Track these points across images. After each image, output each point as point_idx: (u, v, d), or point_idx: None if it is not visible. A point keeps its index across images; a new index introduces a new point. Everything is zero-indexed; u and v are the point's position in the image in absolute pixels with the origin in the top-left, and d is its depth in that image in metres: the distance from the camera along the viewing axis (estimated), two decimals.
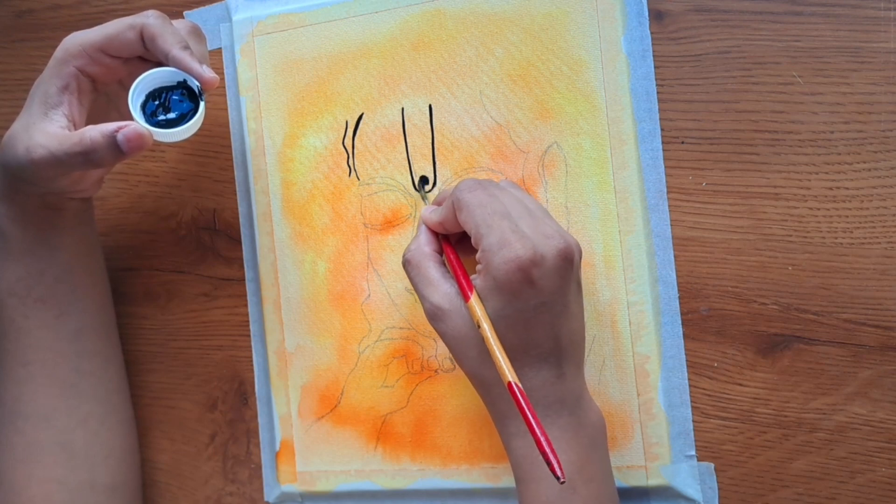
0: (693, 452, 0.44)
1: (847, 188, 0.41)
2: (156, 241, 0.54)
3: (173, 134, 0.43)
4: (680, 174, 0.44)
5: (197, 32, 0.46)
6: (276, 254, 0.50)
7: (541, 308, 0.37)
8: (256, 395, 0.52)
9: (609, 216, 0.44)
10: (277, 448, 0.51)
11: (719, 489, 0.44)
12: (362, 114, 0.48)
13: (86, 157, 0.41)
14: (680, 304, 0.44)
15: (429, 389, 0.48)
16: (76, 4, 0.55)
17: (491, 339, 0.37)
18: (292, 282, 0.50)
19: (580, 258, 0.40)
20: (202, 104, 0.44)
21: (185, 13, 0.52)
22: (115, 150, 0.41)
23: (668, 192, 0.44)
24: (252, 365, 0.52)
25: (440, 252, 0.42)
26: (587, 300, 0.44)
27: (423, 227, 0.42)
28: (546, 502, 0.38)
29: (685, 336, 0.44)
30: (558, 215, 0.45)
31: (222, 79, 0.51)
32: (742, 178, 0.43)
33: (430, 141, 0.47)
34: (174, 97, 0.44)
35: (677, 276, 0.44)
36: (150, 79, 0.43)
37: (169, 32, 0.43)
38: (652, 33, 0.44)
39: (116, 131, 0.40)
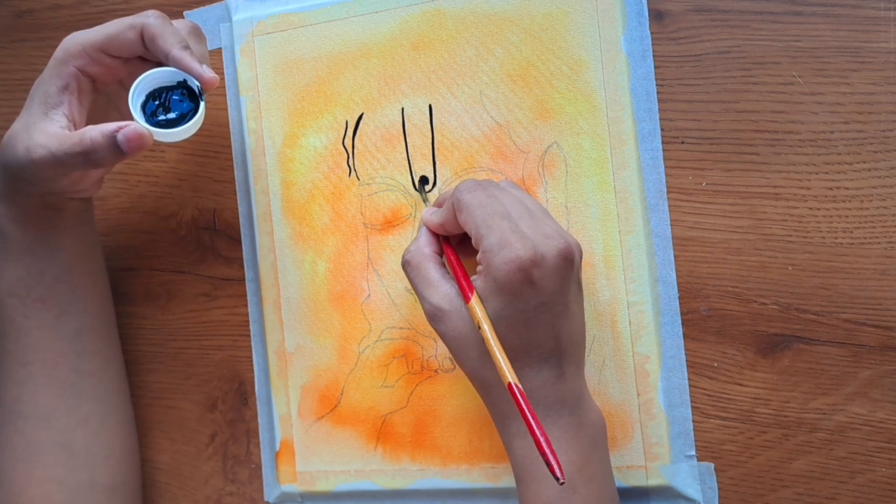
0: (693, 452, 0.44)
1: (847, 188, 0.41)
2: (156, 241, 0.54)
3: (173, 134, 0.43)
4: (680, 174, 0.44)
5: (197, 32, 0.46)
6: (276, 254, 0.50)
7: (541, 308, 0.37)
8: (256, 395, 0.52)
9: (609, 216, 0.44)
10: (277, 448, 0.51)
11: (719, 489, 0.44)
12: (362, 114, 0.48)
13: (86, 157, 0.41)
14: (680, 304, 0.44)
15: (429, 389, 0.48)
16: (76, 4, 0.55)
17: (491, 341, 0.37)
18: (292, 282, 0.50)
19: (580, 258, 0.40)
20: (202, 104, 0.44)
21: (185, 13, 0.52)
22: (116, 150, 0.41)
23: (668, 192, 0.44)
24: (252, 365, 0.52)
25: (440, 253, 0.42)
26: (587, 300, 0.44)
27: (424, 229, 0.42)
28: (547, 502, 0.38)
29: (685, 336, 0.44)
30: (558, 215, 0.45)
31: (222, 79, 0.51)
32: (742, 178, 0.43)
33: (430, 141, 0.47)
34: (174, 97, 0.44)
35: (677, 276, 0.44)
36: (151, 79, 0.43)
37: (169, 32, 0.43)
38: (652, 33, 0.44)
39: (116, 131, 0.40)
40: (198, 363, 0.54)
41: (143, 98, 0.44)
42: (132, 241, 0.55)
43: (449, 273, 0.41)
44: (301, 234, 0.50)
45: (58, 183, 0.44)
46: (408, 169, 0.48)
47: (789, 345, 0.43)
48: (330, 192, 0.49)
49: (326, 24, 0.49)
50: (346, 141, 0.49)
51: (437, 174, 0.47)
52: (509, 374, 0.36)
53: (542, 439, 0.35)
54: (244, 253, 0.52)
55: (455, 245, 0.42)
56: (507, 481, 0.46)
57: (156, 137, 0.42)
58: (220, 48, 0.52)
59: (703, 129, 0.43)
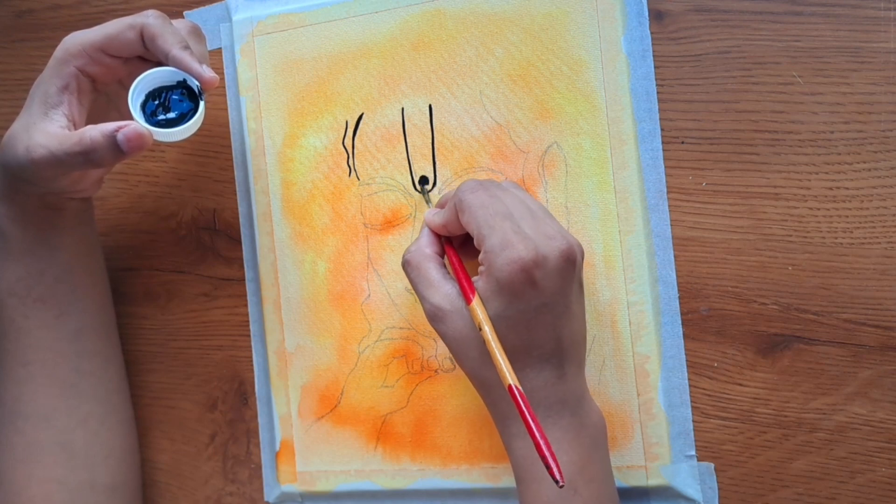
0: (693, 452, 0.44)
1: (847, 188, 0.41)
2: (156, 241, 0.54)
3: (173, 133, 0.43)
4: (680, 174, 0.44)
5: (197, 32, 0.46)
6: (276, 254, 0.50)
7: (543, 309, 0.37)
8: (256, 395, 0.52)
9: (609, 216, 0.44)
10: (277, 448, 0.51)
11: (719, 489, 0.44)
12: (362, 114, 0.48)
13: (86, 157, 0.41)
14: (680, 304, 0.44)
15: (429, 389, 0.48)
16: (76, 4, 0.55)
17: (492, 343, 0.37)
18: (292, 282, 0.50)
19: (582, 259, 0.40)
20: (202, 104, 0.44)
21: (185, 13, 0.52)
22: (115, 149, 0.41)
23: (668, 192, 0.44)
24: (252, 365, 0.52)
25: (442, 254, 0.42)
26: (587, 300, 0.44)
27: (426, 229, 0.42)
28: (547, 503, 0.38)
29: (685, 336, 0.44)
30: (558, 215, 0.45)
31: (222, 79, 0.51)
32: (742, 178, 0.43)
33: (430, 141, 0.47)
34: (174, 97, 0.44)
35: (677, 276, 0.44)
36: (150, 78, 0.43)
37: (169, 32, 0.43)
38: (652, 33, 0.44)
39: (116, 131, 0.40)
40: (198, 363, 0.54)
41: (142, 98, 0.44)
42: (132, 241, 0.55)
43: (449, 273, 0.41)
44: (301, 234, 0.50)
45: (57, 183, 0.44)
46: (408, 169, 0.48)
47: (789, 345, 0.43)
48: (330, 192, 0.49)
49: (326, 24, 0.49)
50: (346, 141, 0.49)
51: (437, 174, 0.47)
52: (510, 376, 0.36)
53: (541, 442, 0.35)
54: (244, 253, 0.52)
55: (457, 246, 0.42)
56: (507, 481, 0.46)
57: (155, 137, 0.42)
58: (220, 48, 0.52)
59: (703, 129, 0.43)
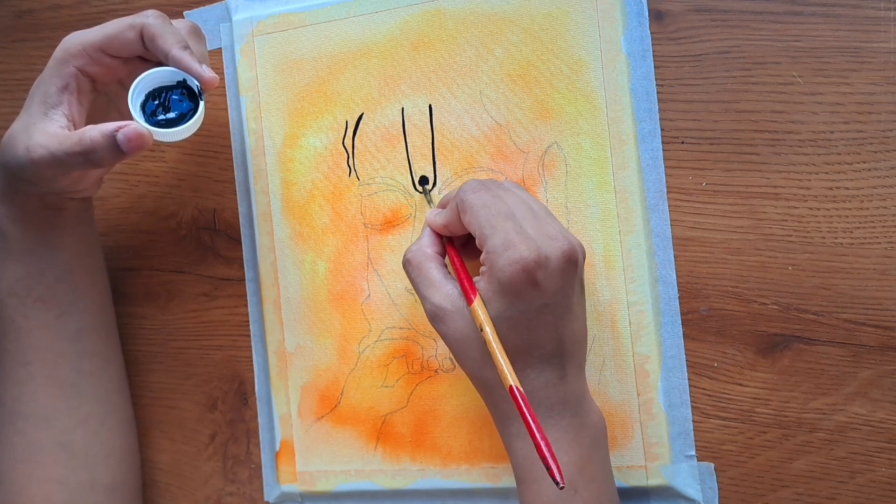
0: (693, 452, 0.44)
1: (847, 188, 0.41)
2: (156, 241, 0.54)
3: (173, 133, 0.43)
4: (680, 174, 0.44)
5: (196, 32, 0.46)
6: (276, 254, 0.50)
7: (544, 309, 0.37)
8: (256, 395, 0.52)
9: (609, 216, 0.44)
10: (277, 448, 0.51)
11: (719, 489, 0.44)
12: (362, 114, 0.48)
13: (86, 157, 0.41)
14: (680, 304, 0.44)
15: (429, 389, 0.48)
16: (76, 4, 0.55)
17: (493, 343, 0.37)
18: (292, 282, 0.50)
19: (584, 260, 0.40)
20: (202, 104, 0.44)
21: (185, 13, 0.52)
22: (115, 149, 0.41)
23: (668, 192, 0.44)
24: (252, 365, 0.52)
25: (443, 254, 0.42)
26: (587, 300, 0.44)
27: (428, 229, 0.42)
28: (547, 503, 0.38)
29: (685, 336, 0.44)
30: (558, 215, 0.45)
31: (222, 79, 0.51)
32: (742, 178, 0.43)
33: (430, 141, 0.47)
34: (174, 97, 0.44)
35: (677, 276, 0.44)
36: (150, 78, 0.43)
37: (169, 32, 0.43)
38: (652, 33, 0.44)
39: (116, 131, 0.40)
40: (198, 363, 0.54)
41: (142, 98, 0.44)
42: (132, 241, 0.55)
43: (450, 273, 0.41)
44: (301, 234, 0.50)
45: (57, 183, 0.44)
46: (408, 169, 0.48)
47: (789, 345, 0.43)
48: (330, 192, 0.49)
49: (326, 24, 0.49)
50: (346, 141, 0.49)
51: (437, 174, 0.47)
52: (510, 377, 0.36)
53: (542, 443, 0.35)
54: (244, 253, 0.52)
55: (458, 247, 0.42)
56: (507, 481, 0.46)
57: (155, 137, 0.42)
58: (220, 48, 0.52)
59: (703, 129, 0.43)
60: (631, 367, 0.44)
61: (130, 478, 0.51)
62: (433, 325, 0.40)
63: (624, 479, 0.44)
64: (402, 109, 0.48)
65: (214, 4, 0.52)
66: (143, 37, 0.43)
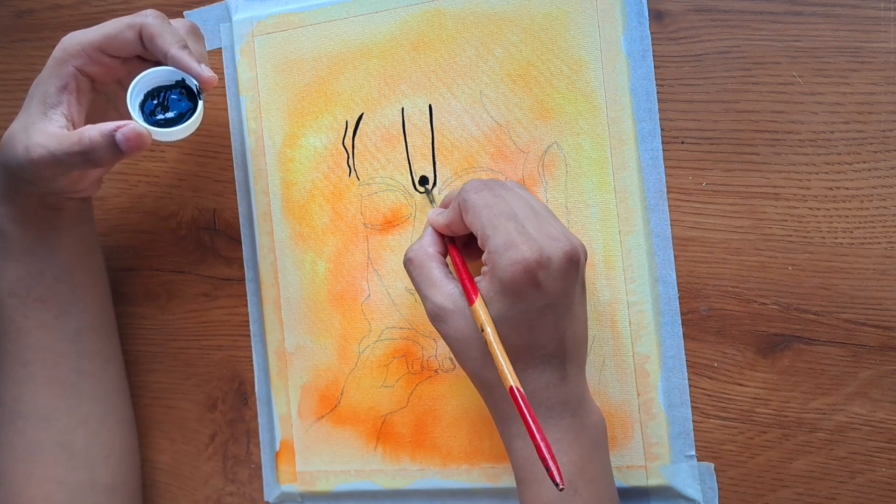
0: (693, 452, 0.44)
1: (847, 188, 0.41)
2: (156, 241, 0.54)
3: (172, 133, 0.43)
4: (680, 174, 0.44)
5: (195, 32, 0.46)
6: (276, 254, 0.50)
7: (546, 310, 0.37)
8: (256, 395, 0.52)
9: (609, 216, 0.44)
10: (277, 448, 0.51)
11: (719, 489, 0.44)
12: (362, 114, 0.48)
13: (85, 157, 0.41)
14: (680, 304, 0.44)
15: (429, 389, 0.48)
16: (76, 4, 0.55)
17: (494, 344, 0.37)
18: (292, 282, 0.50)
19: (585, 260, 0.40)
20: (201, 103, 0.44)
21: (185, 13, 0.52)
22: (114, 149, 0.41)
23: (668, 192, 0.44)
24: (252, 365, 0.52)
25: (444, 254, 0.42)
26: (587, 300, 0.44)
27: (429, 229, 0.42)
28: (547, 503, 0.38)
29: (685, 336, 0.44)
30: (558, 215, 0.45)
31: (222, 78, 0.51)
32: (742, 178, 0.43)
33: (430, 141, 0.47)
34: (173, 96, 0.44)
35: (677, 276, 0.44)
36: (149, 78, 0.43)
37: (167, 32, 0.43)
38: (652, 33, 0.44)
39: (115, 131, 0.40)
40: (198, 363, 0.54)
41: (141, 97, 0.44)
42: (132, 241, 0.55)
43: (452, 273, 0.41)
44: (301, 234, 0.50)
45: (57, 182, 0.44)
46: (408, 169, 0.48)
47: (789, 345, 0.43)
48: (330, 192, 0.49)
49: (326, 24, 0.49)
50: (346, 141, 0.49)
51: (437, 174, 0.47)
52: (511, 378, 0.36)
53: (542, 445, 0.35)
54: (244, 253, 0.52)
55: (460, 247, 0.42)
56: (507, 481, 0.46)
57: (154, 137, 0.42)
58: (220, 48, 0.52)
59: (703, 129, 0.43)
60: (631, 367, 0.44)
61: (130, 478, 0.51)
62: (434, 325, 0.40)
63: (624, 479, 0.44)
64: (402, 109, 0.48)
65: (214, 4, 0.52)
66: (141, 36, 0.43)
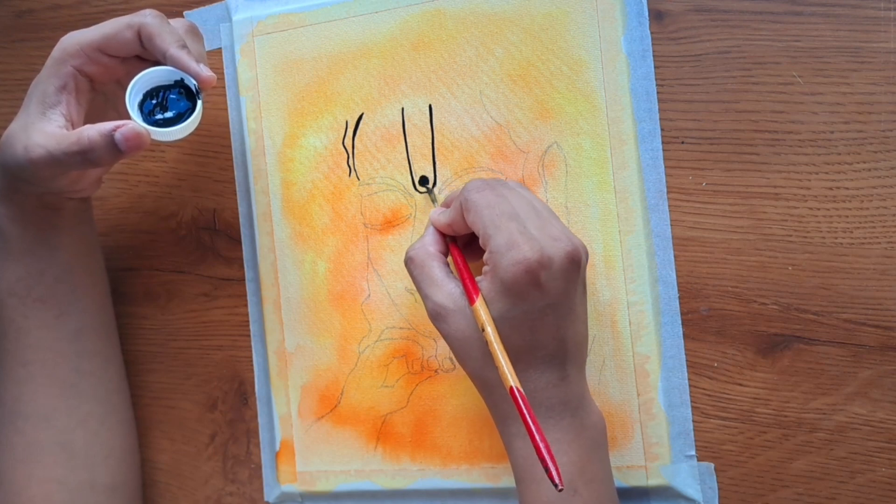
0: (693, 452, 0.44)
1: (847, 188, 0.41)
2: (156, 241, 0.54)
3: (171, 133, 0.43)
4: (680, 174, 0.44)
5: (194, 31, 0.46)
6: (276, 254, 0.50)
7: (547, 310, 0.37)
8: (256, 395, 0.52)
9: (609, 216, 0.44)
10: (277, 448, 0.51)
11: (719, 489, 0.44)
12: (362, 114, 0.48)
13: (84, 157, 0.41)
14: (680, 304, 0.44)
15: (429, 389, 0.48)
16: (76, 4, 0.55)
17: (495, 344, 0.37)
18: (292, 282, 0.50)
19: (587, 260, 0.39)
20: (200, 103, 0.44)
21: (184, 13, 0.52)
22: (113, 149, 0.41)
23: (668, 192, 0.44)
24: (252, 365, 0.52)
25: (445, 253, 0.42)
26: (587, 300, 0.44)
27: (431, 228, 0.42)
28: (547, 503, 0.38)
29: (685, 336, 0.44)
30: (558, 215, 0.45)
31: (221, 78, 0.51)
32: (742, 178, 0.43)
33: (430, 141, 0.47)
34: (172, 96, 0.44)
35: (677, 276, 0.44)
36: (148, 78, 0.43)
37: (166, 31, 0.43)
38: (652, 33, 0.44)
39: (114, 130, 0.40)
40: (198, 363, 0.54)
41: (140, 97, 0.44)
42: (132, 241, 0.55)
43: (453, 273, 0.41)
44: (301, 234, 0.50)
45: (56, 182, 0.44)
46: (408, 169, 0.48)
47: (789, 345, 0.43)
48: (330, 192, 0.49)
49: (326, 24, 0.49)
50: (346, 141, 0.49)
51: (437, 174, 0.47)
52: (511, 379, 0.36)
53: (542, 445, 0.35)
54: (244, 253, 0.52)
55: (461, 246, 0.42)
56: (507, 481, 0.46)
57: (153, 136, 0.42)
58: (220, 48, 0.52)
59: (703, 129, 0.43)
60: (631, 367, 0.44)
61: (130, 478, 0.51)
62: (434, 324, 0.40)
63: (624, 479, 0.44)
64: (402, 109, 0.48)
65: (214, 4, 0.52)
66: (140, 36, 0.43)
